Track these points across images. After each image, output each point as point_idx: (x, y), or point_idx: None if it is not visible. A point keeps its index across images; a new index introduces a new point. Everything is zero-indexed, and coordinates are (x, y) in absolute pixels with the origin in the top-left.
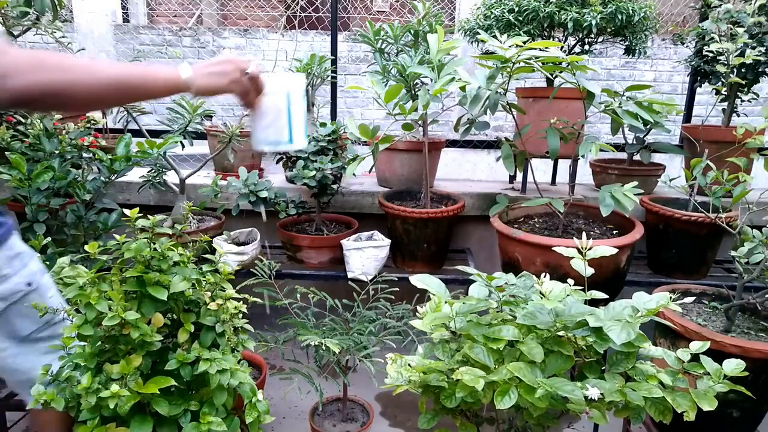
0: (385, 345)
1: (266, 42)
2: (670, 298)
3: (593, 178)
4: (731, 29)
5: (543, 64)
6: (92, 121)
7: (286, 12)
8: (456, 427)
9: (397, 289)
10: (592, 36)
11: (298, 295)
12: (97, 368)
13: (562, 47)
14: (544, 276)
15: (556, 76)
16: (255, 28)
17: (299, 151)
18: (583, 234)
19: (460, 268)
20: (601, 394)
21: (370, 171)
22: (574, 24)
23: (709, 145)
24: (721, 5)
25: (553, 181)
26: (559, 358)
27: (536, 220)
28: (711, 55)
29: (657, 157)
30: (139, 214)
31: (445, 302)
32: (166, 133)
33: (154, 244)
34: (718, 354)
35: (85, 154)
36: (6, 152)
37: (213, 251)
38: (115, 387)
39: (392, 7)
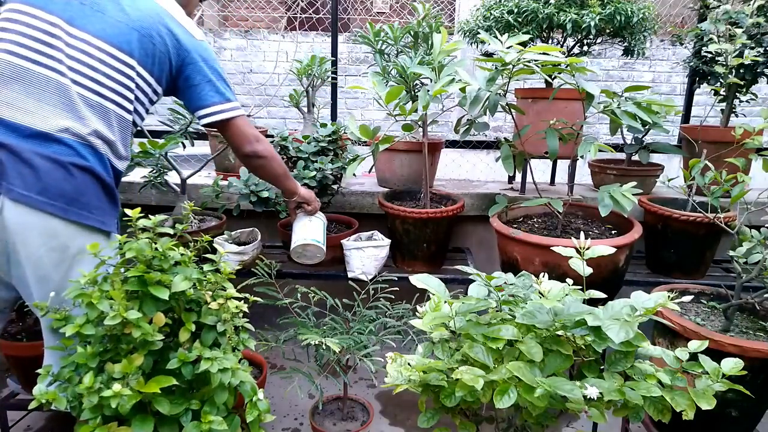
0: (385, 344)
1: (267, 43)
2: (669, 297)
3: (592, 179)
4: (730, 30)
5: (542, 66)
6: None
7: (286, 13)
8: (455, 425)
9: (397, 288)
10: (591, 37)
11: (299, 295)
12: (99, 368)
13: (561, 49)
14: (543, 275)
15: (555, 77)
16: (256, 29)
17: (300, 152)
18: (582, 234)
19: (459, 267)
20: (600, 393)
21: (370, 171)
22: (573, 25)
23: (707, 146)
24: (719, 6)
25: (552, 182)
26: (558, 358)
27: (535, 220)
28: (709, 55)
29: (655, 158)
30: (141, 214)
31: (445, 302)
32: (168, 134)
33: (156, 244)
34: (716, 353)
35: None
36: None
37: (214, 251)
38: (116, 386)
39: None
